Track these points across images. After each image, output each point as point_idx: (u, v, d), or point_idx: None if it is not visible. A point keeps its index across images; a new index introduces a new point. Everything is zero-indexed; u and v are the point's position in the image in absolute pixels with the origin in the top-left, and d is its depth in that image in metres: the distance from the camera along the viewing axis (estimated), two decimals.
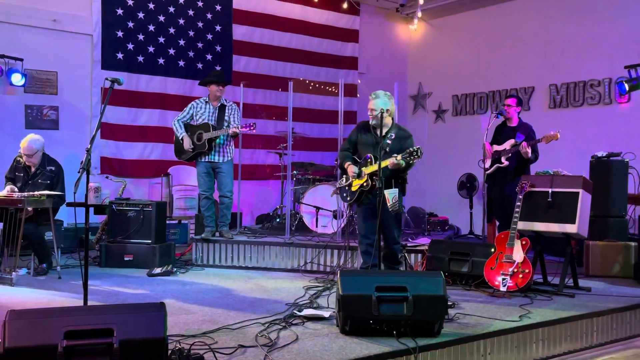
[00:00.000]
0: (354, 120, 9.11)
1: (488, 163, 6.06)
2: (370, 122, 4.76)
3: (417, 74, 9.87)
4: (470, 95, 9.17)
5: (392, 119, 4.79)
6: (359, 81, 9.67)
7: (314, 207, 6.68)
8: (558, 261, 5.89)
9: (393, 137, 4.64)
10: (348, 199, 4.87)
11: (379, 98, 4.67)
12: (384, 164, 4.44)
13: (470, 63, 9.21)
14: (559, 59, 8.17)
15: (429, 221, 8.08)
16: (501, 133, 6.14)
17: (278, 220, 7.40)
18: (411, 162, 4.39)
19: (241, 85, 7.19)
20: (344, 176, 4.95)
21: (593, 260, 5.62)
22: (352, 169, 4.77)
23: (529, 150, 5.69)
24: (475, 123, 8.79)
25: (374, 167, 4.60)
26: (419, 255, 5.69)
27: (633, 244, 5.54)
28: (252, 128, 5.89)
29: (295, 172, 7.44)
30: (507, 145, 5.96)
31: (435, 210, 8.88)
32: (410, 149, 4.35)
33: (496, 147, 6.08)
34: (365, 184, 4.68)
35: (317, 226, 6.68)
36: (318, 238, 6.28)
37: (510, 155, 5.93)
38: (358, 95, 9.69)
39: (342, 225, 6.35)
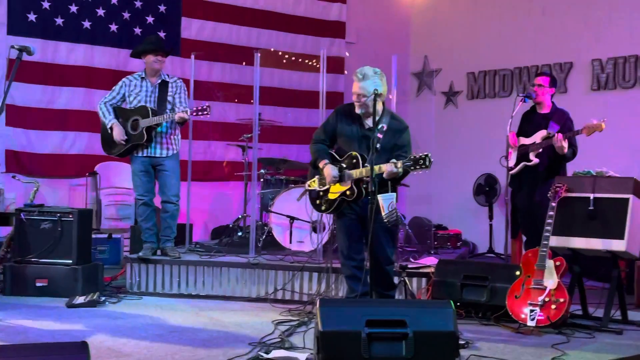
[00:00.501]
0: (339, 102, 9.12)
1: (513, 161, 6.12)
2: (357, 111, 4.76)
3: (423, 46, 9.94)
4: (491, 73, 9.26)
5: (384, 104, 4.81)
6: (347, 53, 9.69)
7: (287, 217, 6.69)
8: (602, 288, 5.95)
9: (385, 130, 4.66)
10: (323, 208, 4.89)
11: (368, 79, 4.65)
12: (377, 170, 4.45)
13: (490, 32, 9.30)
14: (604, 28, 8.30)
15: (437, 236, 8.12)
16: (530, 122, 6.19)
17: (240, 234, 7.41)
18: (414, 171, 4.41)
19: (192, 57, 7.19)
20: (317, 176, 4.95)
21: None
22: (330, 170, 4.77)
23: (565, 145, 5.76)
24: (496, 109, 8.86)
25: (363, 172, 4.61)
26: (423, 279, 5.72)
27: None
28: (205, 113, 5.86)
29: (263, 171, 7.45)
30: (538, 137, 6.02)
31: (445, 222, 8.93)
32: (415, 155, 4.36)
33: (523, 140, 6.14)
34: (349, 192, 4.71)
35: (290, 242, 6.70)
36: (292, 257, 6.30)
37: (541, 150, 5.99)
38: (346, 71, 9.72)
39: (324, 240, 6.36)
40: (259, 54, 6.69)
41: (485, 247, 8.49)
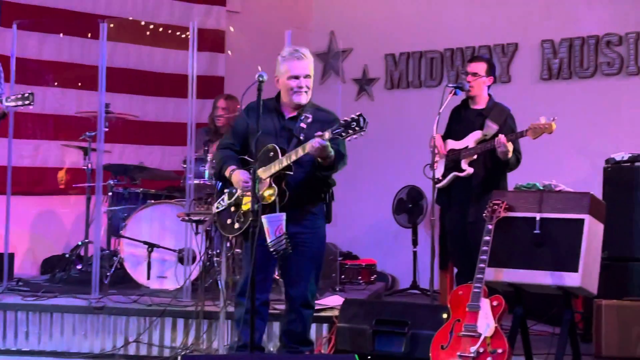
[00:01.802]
0: (218, 91, 9.06)
1: (440, 170, 6.20)
2: (294, 100, 4.94)
3: (327, 19, 9.94)
4: (415, 56, 9.36)
5: None
6: (232, 28, 9.65)
7: (145, 243, 6.63)
8: (551, 333, 6.09)
9: (310, 121, 4.83)
10: (237, 226, 4.91)
11: (309, 59, 4.97)
12: (296, 155, 4.67)
13: (416, 3, 9.42)
14: (557, 2, 8.51)
15: (344, 267, 8.13)
16: (460, 120, 6.31)
17: (80, 267, 7.31)
18: (347, 137, 4.51)
19: (14, 26, 6.98)
20: (226, 192, 5.01)
21: (607, 333, 5.84)
22: (240, 175, 4.86)
23: (510, 148, 5.88)
24: (422, 102, 8.94)
25: (284, 161, 4.74)
26: (324, 325, 5.75)
27: None
28: (27, 103, 5.75)
29: (111, 181, 7.37)
30: (471, 140, 6.14)
31: (355, 249, 8.96)
32: (346, 118, 4.50)
33: (453, 145, 6.24)
34: (268, 194, 4.76)
35: (149, 277, 6.66)
36: (150, 298, 6.24)
37: (475, 157, 6.10)
38: (229, 51, 9.68)
39: (195, 275, 6.32)
40: (107, 25, 6.60)
41: (408, 281, 8.55)
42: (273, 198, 4.71)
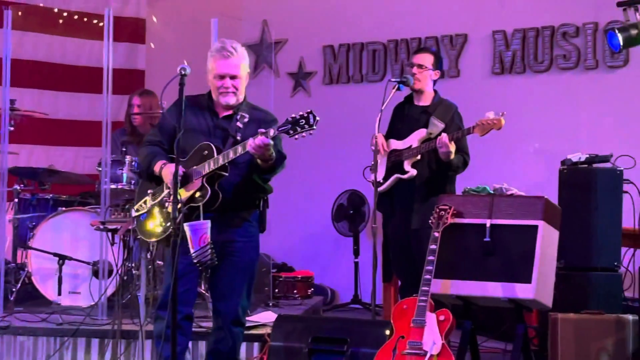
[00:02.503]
0: (138, 85, 9.00)
1: (382, 173, 6.22)
2: (221, 100, 4.92)
3: (260, 6, 9.90)
4: (356, 48, 9.38)
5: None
6: (155, 18, 9.58)
7: (55, 255, 6.58)
8: (503, 350, 6.15)
9: (247, 120, 4.83)
10: (159, 230, 4.88)
11: (240, 56, 4.91)
12: (234, 154, 4.64)
13: None
14: None
15: (278, 280, 8.13)
16: (404, 118, 6.35)
17: None
18: (294, 136, 4.54)
19: None
20: (149, 192, 4.97)
21: (564, 349, 5.89)
22: (172, 169, 4.73)
23: (452, 148, 5.93)
24: (364, 98, 8.95)
25: (220, 160, 4.72)
26: (255, 344, 5.75)
27: (631, 317, 5.90)
28: None
29: (18, 187, 7.29)
30: (415, 140, 6.18)
31: (291, 260, 8.94)
32: (294, 115, 4.51)
33: (395, 144, 6.28)
34: (199, 195, 4.73)
35: (60, 293, 6.60)
36: (61, 316, 6.18)
37: (419, 158, 6.14)
38: (151, 43, 9.63)
39: (111, 290, 6.29)
40: (11, 12, 6.54)
41: (349, 294, 8.58)
42: (204, 200, 4.69)
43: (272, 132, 4.52)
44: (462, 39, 8.77)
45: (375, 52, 9.27)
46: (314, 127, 4.49)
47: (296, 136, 4.53)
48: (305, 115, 4.48)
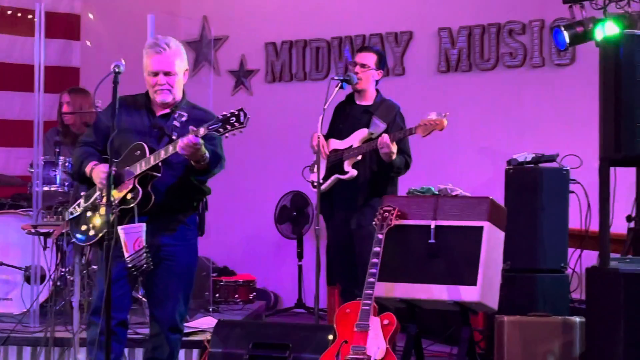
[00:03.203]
0: (72, 83, 8.90)
1: (322, 173, 6.20)
2: (156, 98, 4.87)
3: (199, 2, 9.85)
4: (299, 45, 9.39)
5: (183, 91, 4.99)
6: (90, 14, 9.49)
7: None
8: (449, 354, 6.19)
9: (185, 120, 4.77)
10: (92, 233, 4.82)
11: (174, 51, 4.84)
12: (155, 159, 4.59)
13: None
14: None
15: (219, 284, 8.11)
16: (345, 117, 6.37)
17: None
18: (219, 150, 4.58)
19: None
20: (83, 194, 4.93)
21: (510, 352, 5.94)
22: (103, 167, 4.74)
23: (394, 149, 5.94)
24: (308, 97, 8.96)
25: (151, 160, 4.66)
26: (195, 351, 5.74)
27: (578, 319, 5.97)
28: None
29: None
30: (356, 139, 6.19)
31: (232, 264, 8.93)
32: (225, 113, 4.48)
33: (335, 144, 6.29)
34: (130, 196, 4.68)
35: None
36: None
37: (360, 158, 6.15)
38: (87, 40, 9.54)
39: (44, 296, 6.29)
40: None
41: (293, 299, 8.60)
42: (135, 202, 4.64)
43: (202, 130, 4.47)
44: (407, 37, 8.81)
45: (318, 50, 9.28)
46: (245, 125, 4.45)
47: (227, 134, 4.49)
48: (236, 112, 4.45)
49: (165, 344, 4.88)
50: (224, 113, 4.48)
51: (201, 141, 4.49)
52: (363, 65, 6.27)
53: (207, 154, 4.59)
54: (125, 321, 4.88)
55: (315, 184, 6.12)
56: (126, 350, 5.28)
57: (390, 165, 6.02)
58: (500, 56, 8.37)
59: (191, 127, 4.52)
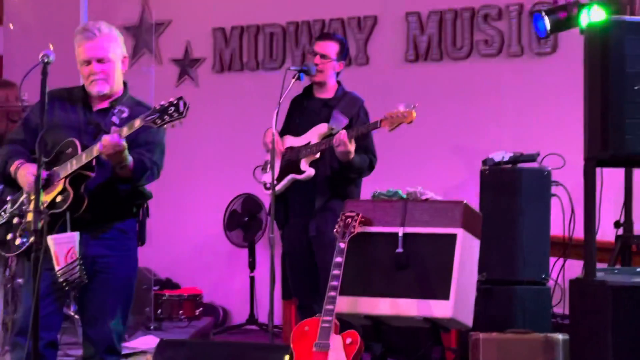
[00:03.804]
0: None
1: (276, 173, 6.18)
2: (91, 90, 4.82)
3: None
4: (251, 31, 9.38)
5: (125, 83, 4.96)
6: None
7: None
8: None
9: (125, 116, 4.74)
10: (18, 242, 4.74)
11: (106, 35, 4.79)
12: (87, 157, 4.54)
13: None
14: None
15: (161, 299, 8.10)
16: (302, 112, 6.37)
17: None
18: (163, 126, 4.47)
19: None
20: (9, 199, 4.88)
21: None
22: (30, 168, 4.67)
23: (352, 147, 5.91)
24: (260, 88, 8.99)
25: (83, 158, 4.60)
26: None
27: (561, 336, 5.99)
28: None
29: None
30: (314, 135, 6.19)
31: (177, 276, 8.96)
32: (163, 102, 4.45)
33: (291, 141, 6.28)
34: (60, 199, 4.63)
35: None
36: None
37: (318, 155, 6.14)
38: (10, 24, 9.50)
39: None
40: None
41: (244, 314, 8.58)
42: (66, 205, 4.60)
43: (125, 130, 4.45)
44: (371, 22, 8.81)
45: (272, 36, 9.28)
46: (184, 115, 4.42)
47: (165, 126, 4.47)
48: (175, 102, 4.43)
49: None
50: (162, 103, 4.45)
51: (123, 143, 4.46)
52: (324, 56, 6.26)
53: (130, 161, 4.56)
54: (55, 342, 4.83)
55: (268, 185, 6.11)
56: None
57: (349, 165, 6.01)
58: (474, 44, 8.39)
59: (113, 128, 4.52)
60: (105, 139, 4.45)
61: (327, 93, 6.31)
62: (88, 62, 4.77)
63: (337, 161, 6.05)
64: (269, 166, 6.17)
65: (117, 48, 4.83)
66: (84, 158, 4.58)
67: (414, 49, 8.59)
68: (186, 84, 9.64)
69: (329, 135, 6.05)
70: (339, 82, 6.35)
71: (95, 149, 4.52)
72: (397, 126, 5.80)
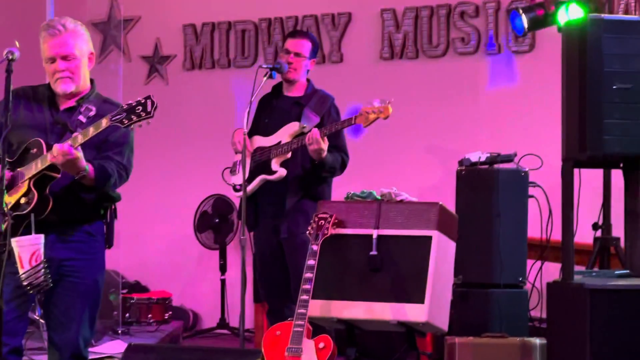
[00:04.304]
0: None
1: (246, 174, 6.18)
2: (56, 88, 4.78)
3: None
4: (222, 28, 9.36)
5: (92, 80, 4.92)
6: None
7: None
8: None
9: (92, 114, 4.68)
10: None
11: (71, 31, 4.73)
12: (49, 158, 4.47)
13: None
14: None
15: (129, 303, 8.07)
16: (272, 111, 6.37)
17: None
18: (131, 126, 4.42)
19: None
20: None
21: None
22: None
23: (324, 145, 5.90)
24: (233, 86, 9.00)
25: (47, 158, 4.55)
26: None
27: (538, 340, 6.00)
28: None
29: None
30: (285, 134, 6.19)
31: (145, 278, 8.94)
32: (130, 102, 4.42)
33: (261, 141, 6.29)
34: (24, 202, 4.60)
35: None
36: None
37: (290, 155, 6.14)
38: None
39: None
40: None
41: (215, 318, 8.57)
42: (30, 207, 4.56)
43: (92, 129, 4.42)
44: (345, 19, 8.80)
45: (244, 33, 9.27)
46: (152, 115, 4.38)
47: (132, 126, 4.44)
48: (143, 101, 4.40)
49: None
50: (129, 102, 4.43)
51: (78, 154, 4.41)
52: (298, 55, 6.26)
53: (88, 171, 4.52)
54: (20, 348, 4.80)
55: (238, 187, 6.12)
56: None
57: (322, 164, 6.01)
58: (450, 42, 8.40)
59: (68, 135, 4.49)
60: (56, 147, 4.40)
61: (297, 91, 6.32)
62: (53, 60, 4.73)
63: (309, 160, 6.04)
64: (238, 168, 6.18)
65: (83, 44, 4.79)
66: (49, 159, 4.56)
67: (389, 47, 8.58)
68: (155, 82, 9.61)
69: (300, 134, 6.05)
70: (308, 80, 6.37)
71: (49, 157, 4.48)
72: (372, 122, 5.81)
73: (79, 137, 4.40)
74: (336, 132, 6.04)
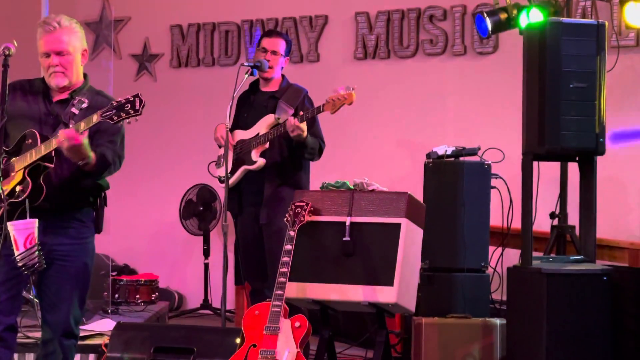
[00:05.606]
0: None
1: (229, 166, 6.17)
2: (50, 82, 4.77)
3: None
4: (207, 28, 9.33)
5: (85, 75, 4.89)
6: None
7: None
8: (364, 357, 6.20)
9: (85, 106, 4.67)
10: None
11: (66, 28, 4.72)
12: (45, 149, 4.47)
13: None
14: None
15: (118, 284, 8.04)
16: (250, 106, 6.40)
17: None
18: (119, 122, 4.41)
19: None
20: None
21: (428, 355, 5.99)
22: None
23: (304, 127, 5.93)
24: (217, 83, 8.94)
25: (42, 149, 4.54)
26: (91, 356, 5.70)
27: (498, 321, 6.04)
28: None
29: None
30: (262, 126, 6.20)
31: (133, 261, 8.91)
32: (119, 99, 4.40)
33: (241, 135, 6.29)
34: (19, 190, 4.57)
35: None
36: None
37: (268, 145, 6.16)
38: None
39: None
40: None
41: (199, 299, 8.56)
42: (25, 194, 4.54)
43: (82, 125, 4.39)
44: (322, 21, 8.80)
45: (228, 33, 9.25)
46: (140, 113, 4.38)
47: (120, 122, 4.43)
48: (131, 99, 4.38)
49: (59, 350, 4.77)
50: (119, 99, 4.41)
51: (84, 141, 4.41)
52: (275, 52, 6.30)
53: (92, 158, 4.51)
54: (15, 325, 4.78)
55: (222, 178, 6.09)
56: (16, 356, 5.17)
57: (303, 145, 6.03)
58: (420, 43, 8.41)
59: (71, 122, 4.49)
60: (62, 132, 4.39)
61: (273, 86, 6.35)
62: (47, 55, 4.71)
63: (287, 147, 6.08)
64: (222, 161, 6.17)
65: (77, 41, 4.76)
66: (43, 150, 4.52)
67: (362, 48, 8.59)
68: (144, 79, 9.58)
69: (276, 125, 6.07)
70: (283, 76, 6.40)
71: (54, 142, 4.47)
72: (338, 108, 5.86)
73: (82, 124, 4.39)
74: (312, 121, 6.07)
